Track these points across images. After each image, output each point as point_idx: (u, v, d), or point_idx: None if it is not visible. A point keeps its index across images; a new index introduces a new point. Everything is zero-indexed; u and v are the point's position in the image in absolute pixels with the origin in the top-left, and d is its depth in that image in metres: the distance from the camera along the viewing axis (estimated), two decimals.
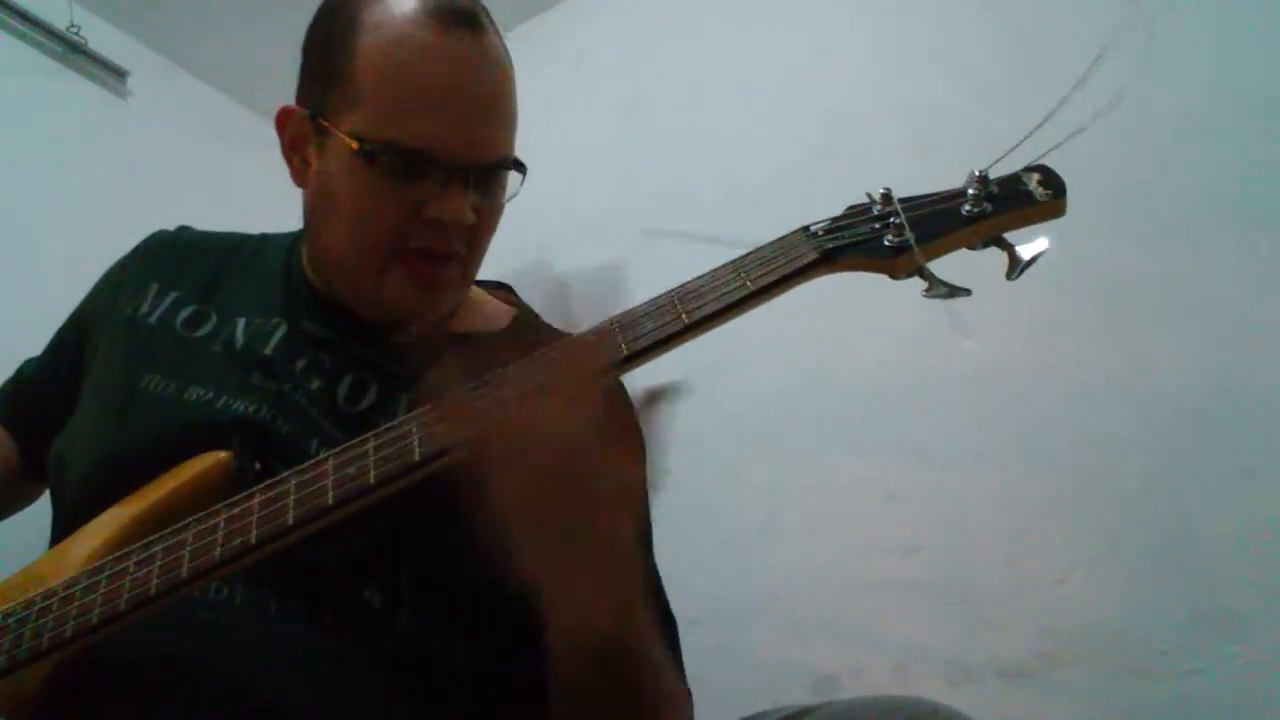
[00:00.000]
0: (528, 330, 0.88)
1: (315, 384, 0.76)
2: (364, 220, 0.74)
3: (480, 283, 0.93)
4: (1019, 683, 1.20)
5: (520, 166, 0.79)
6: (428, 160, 0.72)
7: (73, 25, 2.04)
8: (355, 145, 0.72)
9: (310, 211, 0.81)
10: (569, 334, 0.85)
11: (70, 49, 2.04)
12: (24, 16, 1.95)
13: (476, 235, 0.78)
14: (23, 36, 1.97)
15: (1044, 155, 0.62)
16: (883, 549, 1.37)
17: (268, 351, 0.78)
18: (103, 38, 2.11)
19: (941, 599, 1.30)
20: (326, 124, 0.75)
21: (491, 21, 0.78)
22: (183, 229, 0.94)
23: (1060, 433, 1.29)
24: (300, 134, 0.80)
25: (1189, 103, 1.31)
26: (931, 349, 1.39)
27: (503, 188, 0.79)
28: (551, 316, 0.93)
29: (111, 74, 2.13)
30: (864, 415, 1.48)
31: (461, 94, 0.73)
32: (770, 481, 1.52)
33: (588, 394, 0.57)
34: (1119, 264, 1.29)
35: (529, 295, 0.99)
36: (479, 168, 0.74)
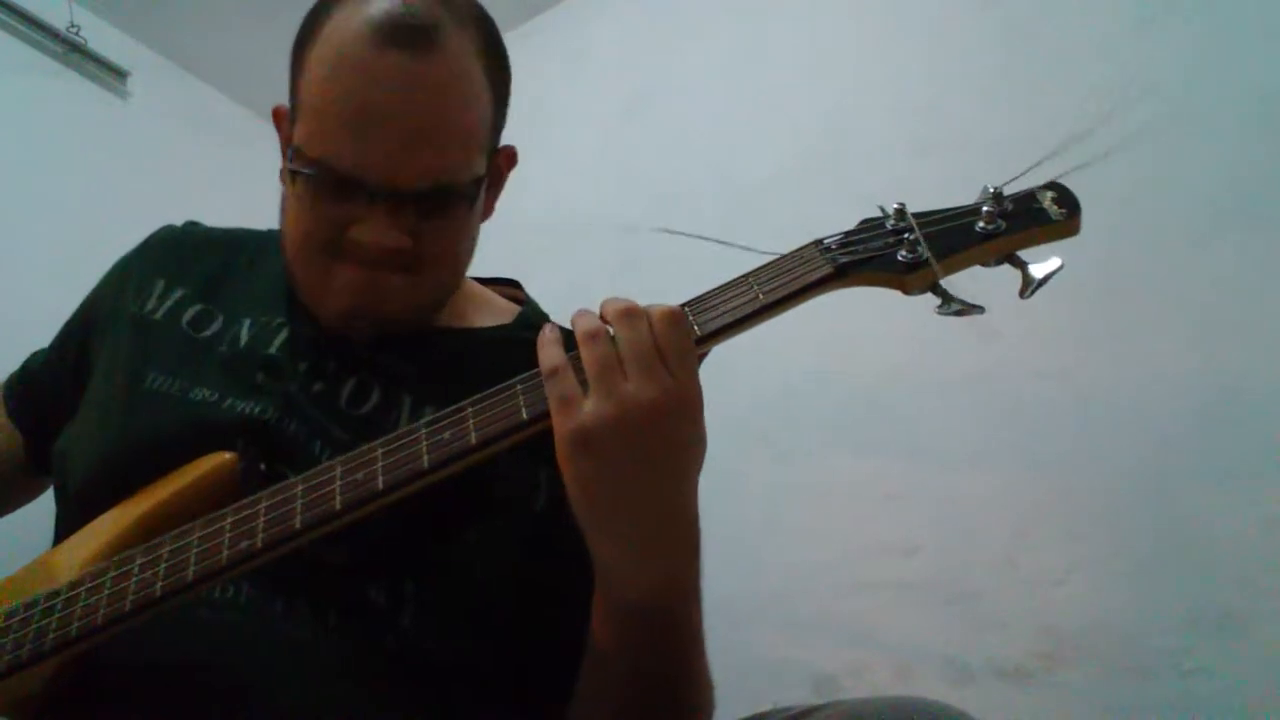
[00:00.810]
0: (532, 326, 0.88)
1: (318, 386, 0.76)
2: (299, 229, 0.74)
3: (488, 280, 0.93)
4: (1019, 683, 1.20)
5: (465, 189, 0.74)
6: (347, 184, 0.70)
7: (73, 25, 2.04)
8: (286, 162, 0.72)
9: (280, 206, 0.81)
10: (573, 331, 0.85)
11: (70, 49, 2.04)
12: (24, 16, 1.95)
13: (422, 254, 0.75)
14: (23, 36, 1.97)
15: (1062, 175, 0.61)
16: (883, 549, 1.37)
17: (272, 351, 0.78)
18: (103, 38, 2.12)
19: (941, 599, 1.30)
20: (288, 130, 0.76)
21: (455, 35, 0.72)
22: (190, 224, 0.94)
23: (1060, 433, 1.29)
24: (289, 133, 0.79)
25: (1189, 104, 1.31)
26: (932, 350, 1.39)
27: (455, 209, 0.75)
28: (552, 315, 0.93)
29: (111, 74, 2.13)
30: (864, 415, 1.48)
31: (389, 119, 0.69)
32: (770, 481, 1.52)
33: (692, 369, 0.58)
34: (1119, 264, 1.29)
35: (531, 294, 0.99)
36: (407, 195, 0.71)
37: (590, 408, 0.55)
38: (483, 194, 0.79)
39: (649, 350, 0.57)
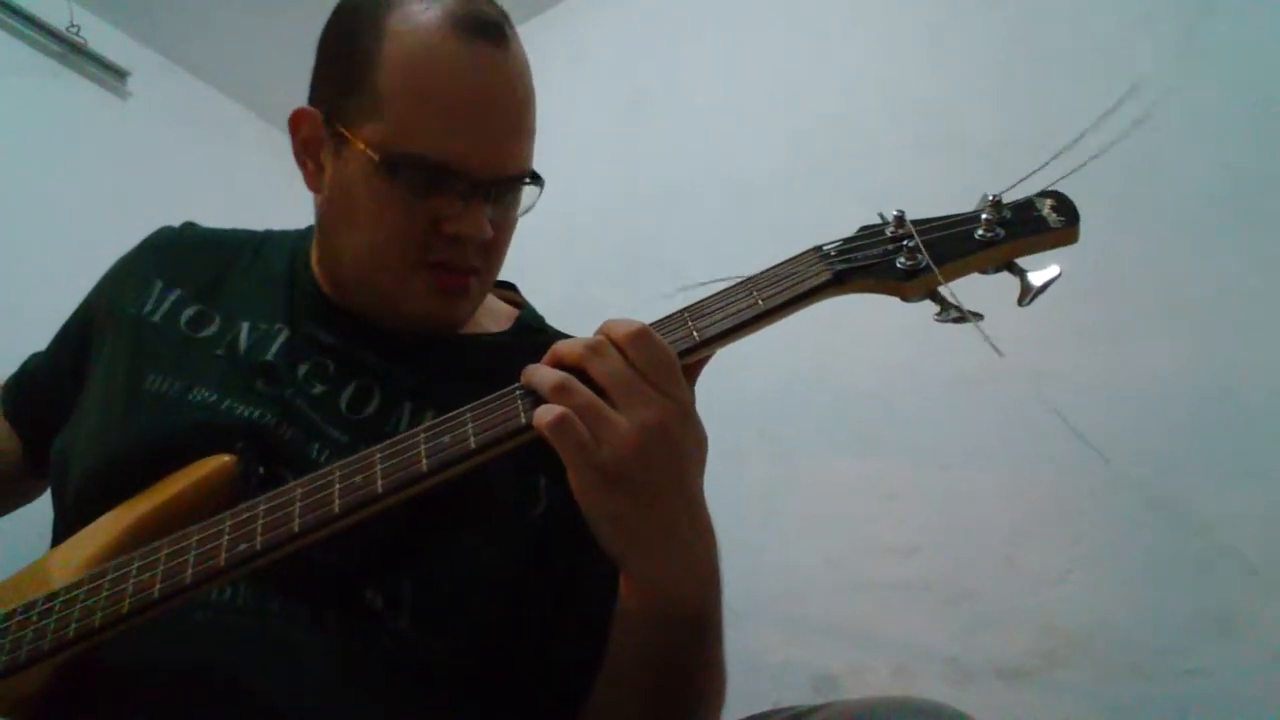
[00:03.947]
0: (531, 331, 0.88)
1: (317, 389, 0.76)
2: (383, 232, 0.73)
3: None
4: (1019, 683, 1.20)
5: (538, 179, 0.78)
6: (451, 175, 0.71)
7: (73, 25, 2.04)
8: (377, 157, 0.70)
9: (324, 218, 0.80)
10: (572, 337, 0.85)
11: (70, 49, 2.04)
12: (24, 16, 1.95)
13: (493, 248, 0.77)
14: (23, 36, 1.98)
15: (1061, 179, 0.61)
16: (883, 549, 1.37)
17: (269, 357, 0.78)
18: (103, 38, 2.12)
19: (941, 599, 1.30)
20: (344, 130, 0.73)
21: (514, 30, 0.76)
22: (187, 225, 0.94)
23: (1060, 433, 1.29)
24: (314, 137, 0.78)
25: (1189, 103, 1.31)
26: (932, 349, 1.39)
27: (518, 200, 0.79)
28: (552, 318, 0.93)
29: (111, 74, 2.13)
30: (864, 415, 1.48)
31: (487, 109, 0.72)
32: (770, 481, 1.52)
33: (677, 378, 0.58)
34: (1119, 264, 1.29)
35: (529, 296, 0.99)
36: (500, 182, 0.74)
37: (602, 453, 0.55)
38: None
39: (629, 376, 0.56)
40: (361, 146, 0.71)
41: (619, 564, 0.60)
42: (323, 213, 0.80)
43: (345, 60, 0.74)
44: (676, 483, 0.57)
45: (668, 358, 0.58)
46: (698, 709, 0.66)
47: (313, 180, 0.79)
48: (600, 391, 0.56)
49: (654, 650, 0.62)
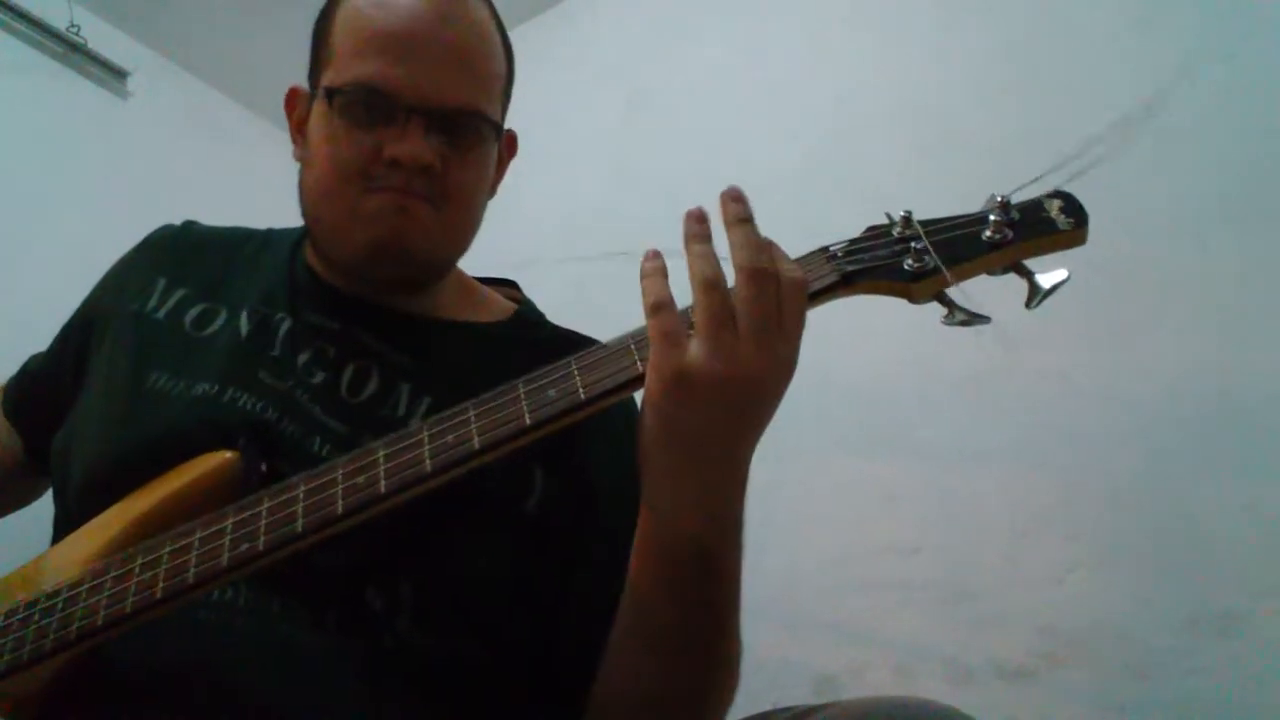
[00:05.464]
0: (529, 325, 0.89)
1: (319, 377, 0.76)
2: (330, 162, 0.76)
3: (486, 279, 0.93)
4: (1019, 683, 1.20)
5: (493, 126, 0.80)
6: (383, 98, 0.74)
7: (73, 25, 2.04)
8: (323, 95, 0.76)
9: (300, 175, 0.83)
10: (570, 332, 0.86)
11: (70, 49, 2.04)
12: (24, 16, 1.95)
13: (448, 185, 0.77)
14: (23, 36, 1.98)
15: (1065, 182, 0.61)
16: (883, 549, 1.37)
17: (275, 352, 0.78)
18: (103, 38, 2.12)
19: (942, 599, 1.30)
20: (314, 91, 0.79)
21: (481, 1, 0.81)
22: (189, 224, 0.94)
23: (1060, 433, 1.29)
24: (303, 112, 0.82)
25: (1189, 103, 1.31)
26: (932, 349, 1.39)
27: (479, 143, 0.79)
28: (552, 317, 0.93)
29: (111, 74, 2.13)
30: (864, 415, 1.48)
31: (424, 40, 0.75)
32: (770, 481, 1.51)
33: (801, 330, 0.57)
34: (1119, 264, 1.29)
35: (529, 295, 0.99)
36: (436, 112, 0.75)
37: (696, 356, 0.54)
38: (498, 151, 0.84)
39: (772, 318, 0.55)
40: (318, 96, 0.77)
41: (642, 480, 0.59)
42: (299, 173, 0.83)
43: (319, 28, 0.81)
44: (739, 425, 0.57)
45: (804, 317, 0.57)
46: (708, 677, 0.65)
47: (299, 152, 0.84)
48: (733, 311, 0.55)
49: (665, 599, 0.62)
